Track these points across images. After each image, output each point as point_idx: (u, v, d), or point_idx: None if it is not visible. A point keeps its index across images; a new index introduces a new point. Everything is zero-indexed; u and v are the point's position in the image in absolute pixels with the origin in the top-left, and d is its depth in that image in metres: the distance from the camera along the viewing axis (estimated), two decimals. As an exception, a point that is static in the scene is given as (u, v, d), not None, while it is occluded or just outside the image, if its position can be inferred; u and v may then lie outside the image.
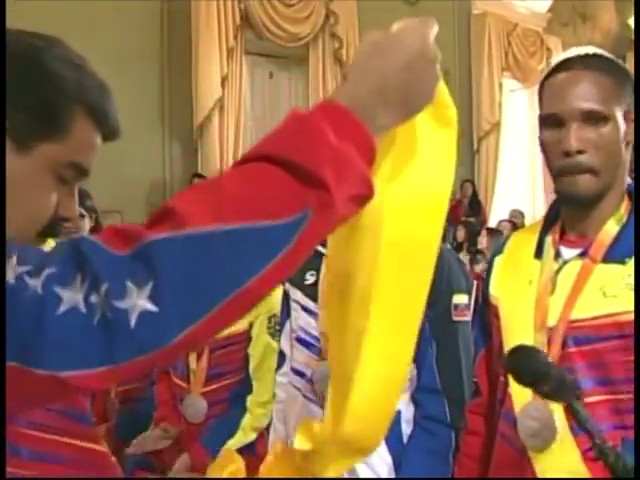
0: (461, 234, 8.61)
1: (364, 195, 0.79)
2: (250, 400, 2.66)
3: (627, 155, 1.64)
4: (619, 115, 1.59)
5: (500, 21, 11.56)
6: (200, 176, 7.67)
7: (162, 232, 0.70)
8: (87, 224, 3.69)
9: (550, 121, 1.61)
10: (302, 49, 9.03)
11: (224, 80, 8.02)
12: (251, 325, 2.71)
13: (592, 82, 1.59)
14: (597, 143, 1.57)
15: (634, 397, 1.55)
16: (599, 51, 1.70)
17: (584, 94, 1.58)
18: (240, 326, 2.70)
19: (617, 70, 1.64)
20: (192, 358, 2.71)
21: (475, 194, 10.90)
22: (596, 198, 1.62)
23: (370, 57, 0.88)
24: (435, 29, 0.90)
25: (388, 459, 2.06)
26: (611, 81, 1.60)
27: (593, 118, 1.57)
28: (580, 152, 1.56)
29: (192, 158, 8.08)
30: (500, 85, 11.60)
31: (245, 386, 2.69)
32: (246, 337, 2.71)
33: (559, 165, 1.59)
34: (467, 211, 10.53)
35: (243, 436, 2.58)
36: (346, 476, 2.07)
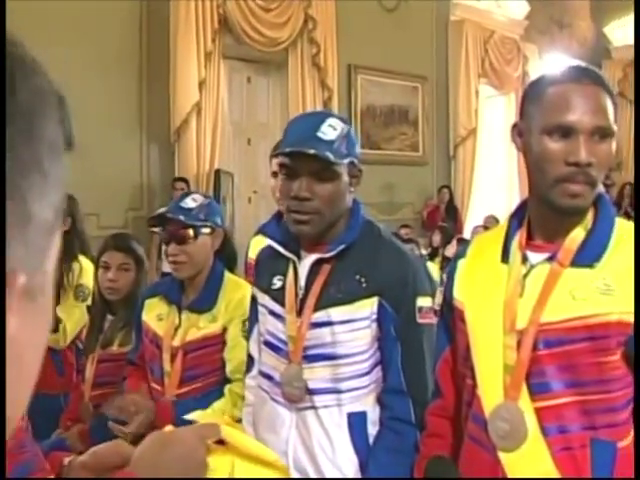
0: (437, 239, 8.65)
1: None
2: (228, 388, 2.65)
3: None
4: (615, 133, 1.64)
5: (478, 28, 11.63)
6: (182, 180, 7.63)
7: None
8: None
9: (558, 131, 1.61)
10: (280, 54, 9.01)
11: (202, 84, 7.99)
12: (225, 329, 2.71)
13: (601, 98, 1.62)
14: (601, 158, 1.60)
15: (634, 397, 1.58)
16: (591, 66, 1.73)
17: (597, 109, 1.60)
18: (214, 329, 2.70)
19: (610, 89, 1.67)
20: (166, 360, 2.70)
21: (452, 200, 10.96)
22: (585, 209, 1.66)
23: (151, 448, 1.09)
24: (215, 436, 1.12)
25: (354, 459, 2.07)
26: (611, 99, 1.64)
27: (600, 133, 1.60)
28: (589, 165, 1.58)
29: (169, 161, 8.05)
30: (477, 91, 11.65)
31: (220, 388, 2.68)
32: (220, 340, 2.71)
33: (561, 172, 1.60)
34: (444, 216, 10.58)
35: (211, 415, 2.56)
36: (313, 476, 2.09)
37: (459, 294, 1.83)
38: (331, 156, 1.99)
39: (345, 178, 2.08)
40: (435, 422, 1.93)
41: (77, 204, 3.84)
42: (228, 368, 2.69)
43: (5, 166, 0.80)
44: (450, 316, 1.87)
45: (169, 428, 1.18)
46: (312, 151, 1.98)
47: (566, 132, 1.60)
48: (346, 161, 2.06)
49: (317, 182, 2.03)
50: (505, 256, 1.74)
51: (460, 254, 1.93)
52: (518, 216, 1.79)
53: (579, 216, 1.67)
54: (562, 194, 1.61)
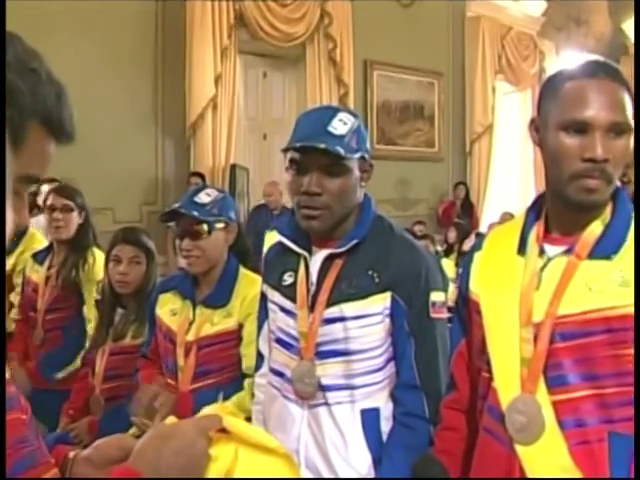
0: (452, 236, 8.63)
1: None
2: (247, 382, 2.63)
3: None
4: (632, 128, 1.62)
5: (494, 24, 11.59)
6: (198, 175, 7.64)
7: None
8: (75, 220, 3.70)
9: (574, 127, 1.60)
10: (296, 49, 9.03)
11: (218, 79, 8.02)
12: (240, 325, 2.69)
13: (618, 93, 1.60)
14: (617, 154, 1.59)
15: (634, 395, 1.56)
16: (609, 61, 1.72)
17: (613, 104, 1.59)
18: (229, 325, 2.69)
19: (628, 84, 1.65)
20: (180, 355, 2.69)
21: (467, 196, 10.93)
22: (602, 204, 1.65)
23: (151, 442, 1.09)
24: (216, 426, 1.11)
25: (368, 456, 2.05)
26: (628, 95, 1.62)
27: (616, 129, 1.59)
28: (605, 161, 1.57)
29: (185, 156, 8.08)
30: (493, 88, 11.63)
31: (236, 385, 2.68)
32: (235, 336, 2.69)
33: (577, 168, 1.59)
34: (459, 213, 10.55)
35: (228, 408, 2.55)
36: (326, 475, 2.08)
37: (475, 286, 1.82)
38: (342, 151, 1.96)
39: (355, 173, 2.05)
40: (450, 415, 1.92)
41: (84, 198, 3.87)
42: (245, 364, 2.67)
43: (5, 162, 0.78)
44: (465, 309, 1.86)
45: (170, 420, 1.17)
46: (322, 145, 1.95)
47: (582, 128, 1.59)
48: (356, 156, 2.04)
49: (327, 177, 2.01)
50: (522, 248, 1.72)
51: (476, 247, 1.91)
52: (535, 209, 1.78)
53: (596, 211, 1.66)
54: (578, 190, 1.60)
